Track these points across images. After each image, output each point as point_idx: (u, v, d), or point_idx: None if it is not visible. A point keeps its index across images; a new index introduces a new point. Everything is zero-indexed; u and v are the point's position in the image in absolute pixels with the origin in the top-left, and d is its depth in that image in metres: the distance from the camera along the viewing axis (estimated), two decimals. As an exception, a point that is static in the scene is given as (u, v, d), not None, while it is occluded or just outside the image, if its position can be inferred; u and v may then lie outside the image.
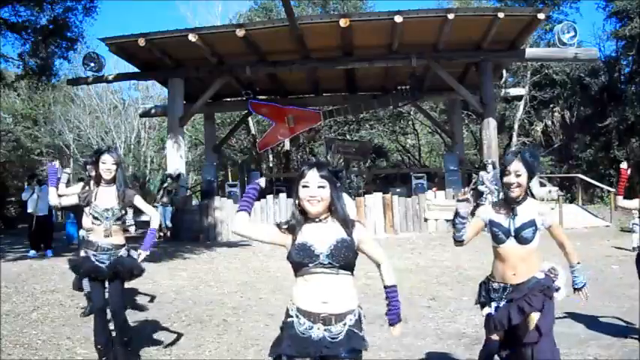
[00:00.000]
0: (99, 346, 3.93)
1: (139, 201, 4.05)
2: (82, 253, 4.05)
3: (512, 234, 2.97)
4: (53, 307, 5.95)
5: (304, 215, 2.32)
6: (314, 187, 2.28)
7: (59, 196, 4.15)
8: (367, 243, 2.38)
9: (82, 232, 5.91)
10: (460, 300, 6.23)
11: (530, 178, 2.98)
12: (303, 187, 2.30)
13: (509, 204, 3.01)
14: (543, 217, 2.99)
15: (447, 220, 12.65)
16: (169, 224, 12.73)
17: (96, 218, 3.89)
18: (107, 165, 3.91)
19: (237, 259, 9.58)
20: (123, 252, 3.97)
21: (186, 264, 9.01)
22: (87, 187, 4.13)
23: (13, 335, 4.91)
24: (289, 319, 2.31)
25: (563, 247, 3.07)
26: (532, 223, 2.96)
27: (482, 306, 3.19)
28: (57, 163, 4.32)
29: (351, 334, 2.25)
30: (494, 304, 3.08)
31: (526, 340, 2.99)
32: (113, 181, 3.94)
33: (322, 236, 2.28)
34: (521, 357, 3.06)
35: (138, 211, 4.16)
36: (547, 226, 3.01)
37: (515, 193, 2.96)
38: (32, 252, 9.78)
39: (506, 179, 2.98)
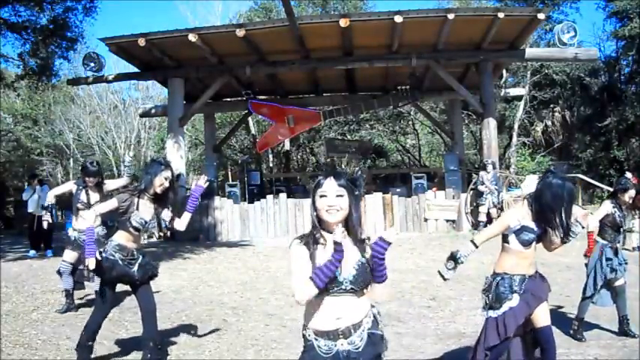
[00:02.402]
0: (89, 343, 3.99)
1: (166, 214, 4.26)
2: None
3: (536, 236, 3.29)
4: (53, 307, 5.95)
5: (321, 226, 2.27)
6: (332, 197, 2.22)
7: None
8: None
9: (72, 233, 5.88)
10: (460, 300, 6.24)
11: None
12: (321, 196, 2.24)
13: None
14: None
15: (447, 220, 12.67)
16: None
17: (140, 227, 4.01)
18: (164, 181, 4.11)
19: (237, 259, 9.58)
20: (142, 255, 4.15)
21: (186, 264, 9.01)
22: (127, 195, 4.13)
23: (13, 335, 4.91)
24: (308, 343, 2.25)
25: None
26: None
27: (500, 302, 3.24)
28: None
29: (372, 336, 2.22)
30: (515, 296, 3.23)
31: (541, 326, 3.27)
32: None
33: (343, 259, 2.19)
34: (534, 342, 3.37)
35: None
36: None
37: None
38: (32, 252, 9.79)
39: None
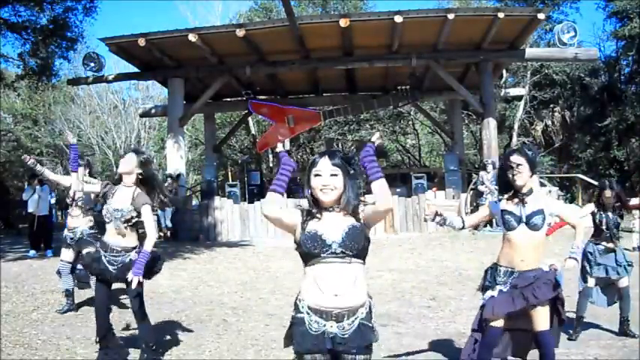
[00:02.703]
0: (97, 337, 3.98)
1: (146, 211, 3.86)
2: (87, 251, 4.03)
3: (524, 220, 3.26)
4: (53, 307, 5.94)
5: (317, 204, 2.29)
6: (326, 176, 2.24)
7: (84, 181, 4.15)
8: (368, 207, 2.30)
9: (67, 233, 5.87)
10: (460, 300, 6.23)
11: (531, 169, 3.27)
12: (315, 175, 2.26)
13: (518, 195, 3.30)
14: (551, 208, 3.31)
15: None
16: (169, 224, 12.73)
17: (107, 217, 3.89)
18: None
19: (237, 259, 9.58)
20: (133, 255, 3.87)
21: (186, 264, 9.01)
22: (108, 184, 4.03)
23: (13, 335, 4.91)
24: (299, 315, 2.25)
25: (574, 228, 3.39)
26: (541, 212, 3.26)
27: (485, 290, 3.38)
28: (74, 140, 4.31)
29: (363, 327, 2.21)
30: (498, 288, 3.30)
31: (539, 330, 3.24)
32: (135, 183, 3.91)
33: (333, 225, 2.24)
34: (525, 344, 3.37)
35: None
36: (557, 214, 3.34)
37: (519, 181, 3.27)
38: (32, 252, 9.79)
39: (509, 172, 3.29)
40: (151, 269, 3.96)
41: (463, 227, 3.51)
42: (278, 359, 4.39)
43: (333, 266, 2.20)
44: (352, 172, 2.28)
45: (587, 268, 4.87)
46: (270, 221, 2.38)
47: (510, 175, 3.26)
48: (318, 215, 2.27)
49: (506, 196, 3.37)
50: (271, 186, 2.30)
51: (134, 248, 3.91)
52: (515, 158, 3.27)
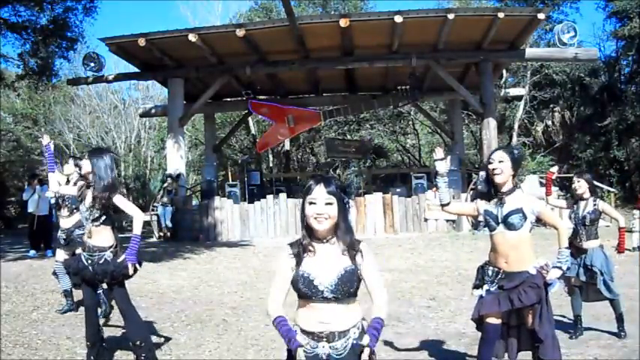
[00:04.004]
0: (87, 343, 3.95)
1: (119, 200, 3.87)
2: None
3: (500, 220, 3.19)
4: (53, 307, 5.95)
5: (310, 232, 2.25)
6: (321, 205, 2.18)
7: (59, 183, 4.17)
8: (367, 270, 2.23)
9: (59, 233, 5.87)
10: (460, 300, 6.23)
11: (514, 167, 3.20)
12: (310, 203, 2.21)
13: (497, 194, 3.23)
14: (532, 206, 3.18)
15: (447, 220, 12.67)
16: (169, 224, 12.74)
17: (83, 219, 3.97)
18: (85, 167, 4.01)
19: (237, 259, 9.58)
20: (108, 254, 3.86)
21: (186, 264, 9.01)
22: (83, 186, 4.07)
23: (13, 335, 4.91)
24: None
25: (556, 229, 3.26)
26: (519, 211, 3.15)
27: (476, 288, 3.40)
28: (51, 143, 4.31)
29: (355, 346, 2.18)
30: (485, 287, 3.30)
31: (533, 328, 3.20)
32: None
33: (326, 266, 2.19)
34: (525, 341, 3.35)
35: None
36: (537, 214, 3.20)
37: (498, 178, 3.19)
38: (32, 252, 9.79)
39: (490, 166, 3.22)
40: (111, 276, 3.86)
41: (445, 205, 3.40)
42: (278, 359, 4.39)
43: (324, 306, 2.20)
44: (346, 201, 2.25)
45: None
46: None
47: (492, 176, 3.20)
48: (311, 248, 2.24)
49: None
50: (277, 325, 2.22)
51: (110, 247, 3.91)
52: (499, 155, 3.22)
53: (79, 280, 4.08)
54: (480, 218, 3.35)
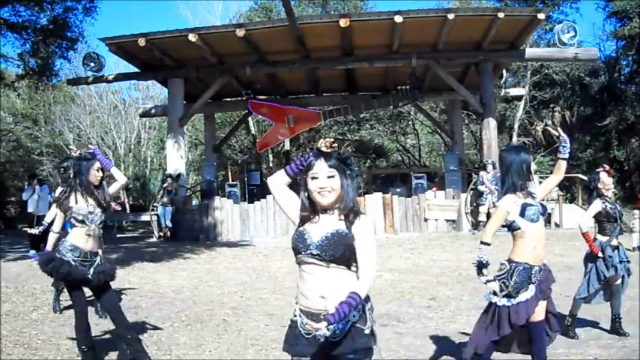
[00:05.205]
0: (82, 347, 3.94)
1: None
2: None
3: (542, 212, 3.24)
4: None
5: (314, 207, 2.26)
6: (323, 178, 2.21)
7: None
8: (360, 240, 2.18)
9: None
10: (460, 300, 6.24)
11: None
12: (312, 178, 2.23)
13: (526, 189, 3.25)
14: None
15: (447, 220, 12.67)
16: (169, 224, 12.73)
17: (81, 221, 3.95)
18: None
19: (237, 259, 9.58)
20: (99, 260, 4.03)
21: (186, 264, 9.01)
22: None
23: (13, 335, 4.91)
24: (294, 318, 2.27)
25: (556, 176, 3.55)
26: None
27: (517, 291, 3.18)
28: (96, 147, 4.37)
29: (354, 330, 2.15)
30: (532, 287, 3.20)
31: (536, 321, 3.26)
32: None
33: (321, 226, 2.22)
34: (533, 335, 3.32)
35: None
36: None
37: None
38: (32, 252, 9.76)
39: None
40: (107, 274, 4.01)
41: (489, 245, 3.34)
42: (278, 359, 4.39)
43: (312, 268, 2.18)
44: (349, 172, 2.27)
45: (605, 272, 4.59)
46: (272, 189, 2.47)
47: (527, 175, 3.29)
48: (315, 218, 2.26)
49: (494, 199, 3.35)
50: (286, 167, 2.42)
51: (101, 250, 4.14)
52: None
53: (68, 284, 4.03)
54: (513, 216, 3.23)
